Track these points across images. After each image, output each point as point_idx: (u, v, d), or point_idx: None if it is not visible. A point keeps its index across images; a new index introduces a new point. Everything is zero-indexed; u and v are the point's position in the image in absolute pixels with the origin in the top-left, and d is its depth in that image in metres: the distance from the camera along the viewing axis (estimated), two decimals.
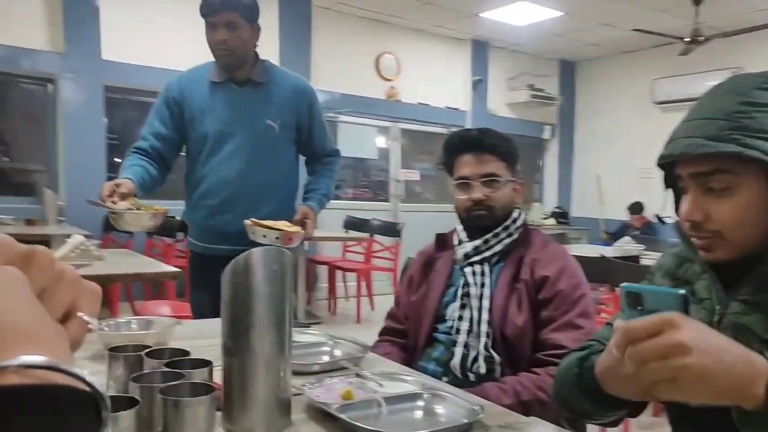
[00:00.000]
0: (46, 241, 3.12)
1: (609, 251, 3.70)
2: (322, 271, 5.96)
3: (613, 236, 7.01)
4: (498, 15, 6.10)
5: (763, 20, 5.31)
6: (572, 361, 1.05)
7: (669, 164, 1.01)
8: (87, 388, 0.33)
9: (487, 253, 1.60)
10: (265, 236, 1.86)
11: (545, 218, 7.55)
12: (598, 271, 2.75)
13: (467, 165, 1.62)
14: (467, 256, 1.61)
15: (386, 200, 6.76)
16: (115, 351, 0.99)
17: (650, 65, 7.01)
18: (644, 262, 3.30)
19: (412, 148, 6.93)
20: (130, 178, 1.96)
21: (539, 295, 1.51)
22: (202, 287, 2.23)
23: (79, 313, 0.41)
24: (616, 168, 7.47)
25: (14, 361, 0.31)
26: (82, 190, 3.58)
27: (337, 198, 6.44)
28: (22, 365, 0.31)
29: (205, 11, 2.07)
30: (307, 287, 5.50)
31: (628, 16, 5.85)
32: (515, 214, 1.64)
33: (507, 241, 1.60)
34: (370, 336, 1.71)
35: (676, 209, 1.09)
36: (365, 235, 5.53)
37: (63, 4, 4.76)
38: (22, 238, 0.41)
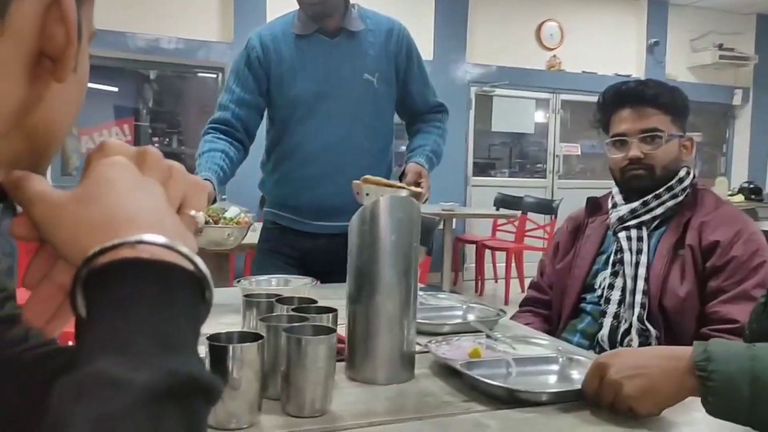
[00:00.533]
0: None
1: None
2: (470, 250, 5.86)
3: None
4: None
5: None
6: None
7: None
8: (194, 269, 0.36)
9: (646, 217, 1.44)
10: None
11: (732, 194, 6.70)
12: None
13: (625, 120, 1.46)
14: (622, 219, 1.46)
15: (542, 176, 6.45)
16: (250, 298, 1.04)
17: None
18: None
19: (573, 121, 6.53)
20: (208, 179, 1.65)
21: (708, 263, 1.33)
22: (286, 266, 1.83)
23: (187, 209, 0.42)
24: None
25: (132, 237, 0.35)
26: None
27: (489, 175, 6.30)
28: (139, 241, 0.35)
29: None
30: (453, 267, 5.43)
31: None
32: (682, 173, 1.45)
33: (670, 203, 1.42)
34: None
35: None
36: (517, 212, 5.32)
37: None
38: None
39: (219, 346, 0.78)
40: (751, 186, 6.77)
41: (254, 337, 0.82)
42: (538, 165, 6.53)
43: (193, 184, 0.44)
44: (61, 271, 0.39)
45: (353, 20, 1.80)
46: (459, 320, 1.31)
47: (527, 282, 6.17)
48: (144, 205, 0.38)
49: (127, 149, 0.42)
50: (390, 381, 0.93)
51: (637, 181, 1.45)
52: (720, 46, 6.60)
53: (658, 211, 1.43)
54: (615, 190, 1.54)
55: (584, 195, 6.06)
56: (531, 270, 6.02)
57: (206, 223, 1.29)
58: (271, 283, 1.34)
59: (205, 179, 1.63)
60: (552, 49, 6.25)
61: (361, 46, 1.82)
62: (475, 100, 6.06)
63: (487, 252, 5.47)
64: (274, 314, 0.95)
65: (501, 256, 5.38)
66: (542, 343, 1.09)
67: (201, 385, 0.32)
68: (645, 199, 1.44)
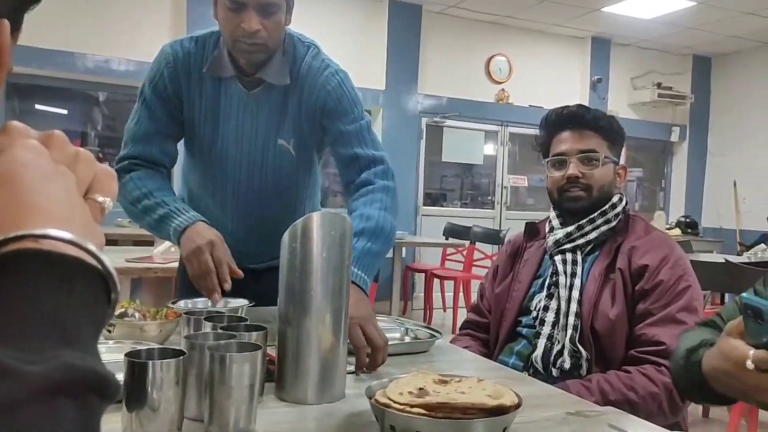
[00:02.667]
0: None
1: (738, 259, 3.32)
2: (420, 279, 5.90)
3: (749, 248, 6.35)
4: (623, 9, 5.74)
5: None
6: (681, 352, 1.02)
7: None
8: (100, 267, 0.36)
9: (581, 241, 1.48)
10: None
11: (669, 228, 6.97)
12: (721, 278, 2.47)
13: (565, 141, 1.51)
14: (558, 243, 1.50)
15: (489, 207, 6.58)
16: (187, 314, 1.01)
17: None
18: None
19: (520, 154, 6.71)
20: (203, 221, 1.36)
21: (636, 286, 1.37)
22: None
23: (94, 195, 0.42)
24: (756, 173, 6.74)
25: (37, 230, 0.34)
26: None
27: (440, 205, 6.38)
28: (44, 236, 0.34)
29: None
30: (403, 296, 5.46)
31: None
32: (615, 199, 1.50)
33: (604, 228, 1.47)
34: None
35: None
36: (465, 242, 5.40)
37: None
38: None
39: (137, 362, 0.75)
40: (687, 220, 7.07)
41: (176, 353, 0.79)
42: (487, 197, 6.66)
43: (101, 170, 0.43)
44: None
45: (279, 72, 1.43)
46: (396, 341, 1.31)
47: None
48: (56, 195, 0.37)
49: (32, 132, 0.41)
50: (319, 401, 0.92)
51: (574, 202, 1.49)
52: (659, 85, 6.93)
53: (592, 235, 1.47)
54: (552, 214, 1.58)
55: None
56: (477, 294, 6.11)
57: (137, 318, 1.19)
58: (209, 304, 1.31)
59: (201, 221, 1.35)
60: (501, 83, 6.44)
61: (281, 103, 1.47)
62: (426, 130, 6.17)
63: (436, 281, 5.51)
64: (200, 332, 0.93)
65: (450, 285, 5.43)
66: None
67: (98, 381, 0.31)
68: (580, 223, 1.48)
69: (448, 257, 5.76)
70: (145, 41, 4.97)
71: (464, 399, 0.75)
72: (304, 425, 0.86)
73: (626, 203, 1.53)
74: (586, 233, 1.48)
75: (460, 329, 1.70)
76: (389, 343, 1.26)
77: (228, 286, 1.27)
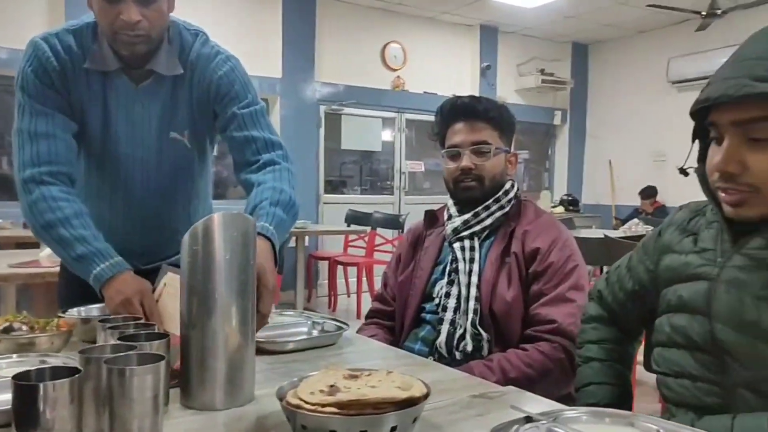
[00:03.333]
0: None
1: (615, 234, 3.60)
2: (324, 267, 5.91)
3: (624, 222, 6.90)
4: None
5: None
6: (581, 359, 1.21)
7: (702, 113, 0.92)
8: None
9: (477, 227, 1.54)
10: None
11: (554, 206, 7.43)
12: (601, 252, 2.66)
13: (458, 133, 1.56)
14: (456, 230, 1.55)
15: (389, 193, 6.68)
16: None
17: (666, 44, 6.84)
18: None
19: (417, 140, 6.86)
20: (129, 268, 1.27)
21: (530, 268, 1.45)
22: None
23: None
24: (629, 152, 7.33)
25: None
26: None
27: (340, 192, 6.39)
28: None
29: None
30: (307, 284, 5.46)
31: None
32: (507, 185, 1.58)
33: (498, 214, 1.54)
34: None
35: (701, 160, 1.01)
36: (367, 228, 5.47)
37: None
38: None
39: (25, 385, 0.70)
40: (570, 198, 7.57)
41: (71, 371, 0.75)
42: (387, 182, 6.75)
43: None
44: None
45: (168, 61, 1.37)
46: (303, 336, 1.31)
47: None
48: None
49: None
50: (228, 405, 0.90)
51: (468, 192, 1.55)
52: (542, 71, 7.31)
53: (488, 221, 1.54)
54: (450, 202, 1.63)
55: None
56: (380, 283, 6.23)
57: (25, 331, 1.11)
58: (105, 312, 1.24)
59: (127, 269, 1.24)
60: (396, 70, 6.52)
61: (172, 94, 1.41)
62: (325, 118, 6.14)
63: (340, 268, 5.54)
64: (96, 345, 0.88)
65: (353, 271, 5.48)
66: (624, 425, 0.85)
67: None
68: (476, 210, 1.54)
69: (350, 244, 5.80)
70: (20, 28, 4.57)
71: (375, 394, 0.76)
72: (218, 431, 0.84)
73: (517, 189, 1.61)
74: (482, 220, 1.54)
75: (366, 318, 1.72)
76: (298, 338, 1.27)
77: None
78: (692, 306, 0.97)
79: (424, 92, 6.63)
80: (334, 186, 6.43)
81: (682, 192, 6.90)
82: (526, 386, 1.29)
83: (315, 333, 1.33)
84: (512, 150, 1.63)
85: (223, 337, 0.90)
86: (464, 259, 1.52)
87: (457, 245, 1.54)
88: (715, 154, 0.90)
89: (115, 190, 1.45)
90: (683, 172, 1.04)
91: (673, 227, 1.09)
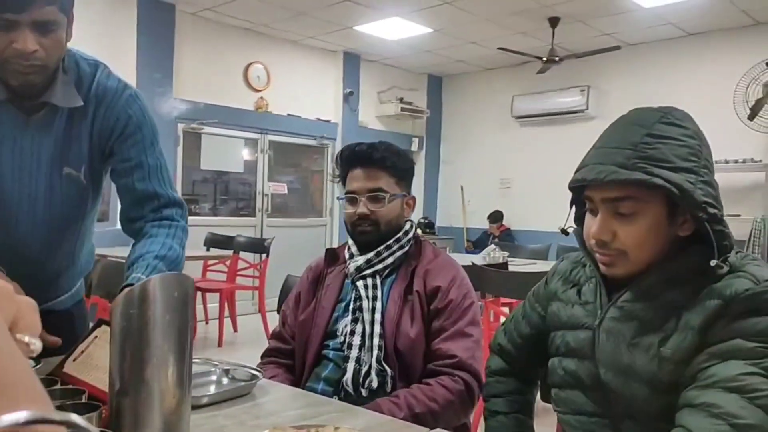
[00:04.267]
0: None
1: (478, 260, 3.88)
2: None
3: (475, 244, 7.41)
4: (371, 29, 6.20)
5: (609, 43, 5.92)
6: (486, 393, 1.37)
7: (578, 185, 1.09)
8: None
9: (379, 266, 1.60)
10: None
11: None
12: (472, 279, 2.84)
13: (356, 179, 1.61)
14: (359, 269, 1.60)
15: (251, 215, 6.54)
16: None
17: (511, 82, 7.50)
18: (512, 268, 3.49)
19: (279, 161, 6.80)
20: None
21: (431, 305, 1.53)
22: None
23: (19, 335, 0.35)
24: (479, 179, 7.88)
25: (6, 419, 0.28)
26: None
27: (197, 214, 6.14)
28: (16, 422, 0.29)
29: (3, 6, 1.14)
30: None
31: (493, 36, 6.21)
32: (407, 226, 1.66)
33: (399, 253, 1.61)
34: (238, 360, 1.51)
35: (576, 222, 1.19)
36: (229, 252, 5.29)
37: None
38: None
39: None
40: (426, 221, 7.95)
41: None
42: (247, 203, 6.60)
43: (24, 303, 0.37)
44: None
45: (65, 93, 1.27)
46: (214, 388, 1.27)
47: (239, 321, 6.12)
48: (2, 358, 0.31)
49: None
50: None
51: (364, 236, 1.61)
52: (401, 100, 7.64)
53: (389, 260, 1.60)
54: (350, 241, 1.68)
55: (294, 232, 6.37)
56: (243, 308, 6.07)
57: None
58: None
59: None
60: (259, 91, 6.44)
61: (68, 127, 1.32)
62: (183, 136, 5.88)
63: (198, 294, 5.29)
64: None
65: (214, 297, 5.27)
66: None
67: None
68: (378, 250, 1.60)
69: (209, 268, 5.57)
70: None
71: None
72: None
73: (415, 230, 1.70)
74: (384, 259, 1.60)
75: (262, 357, 1.69)
76: (212, 392, 1.22)
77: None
78: (580, 352, 1.14)
79: (288, 114, 6.62)
80: (192, 208, 6.16)
81: (524, 218, 7.54)
82: (431, 420, 1.38)
83: (225, 382, 1.29)
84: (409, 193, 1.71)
85: (159, 401, 0.86)
86: (368, 297, 1.57)
87: (360, 283, 1.59)
88: (591, 224, 1.08)
89: None
90: (564, 232, 1.23)
91: (558, 277, 1.28)
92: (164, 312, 0.85)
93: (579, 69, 6.66)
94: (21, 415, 0.29)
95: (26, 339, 0.35)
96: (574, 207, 1.21)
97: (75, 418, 0.31)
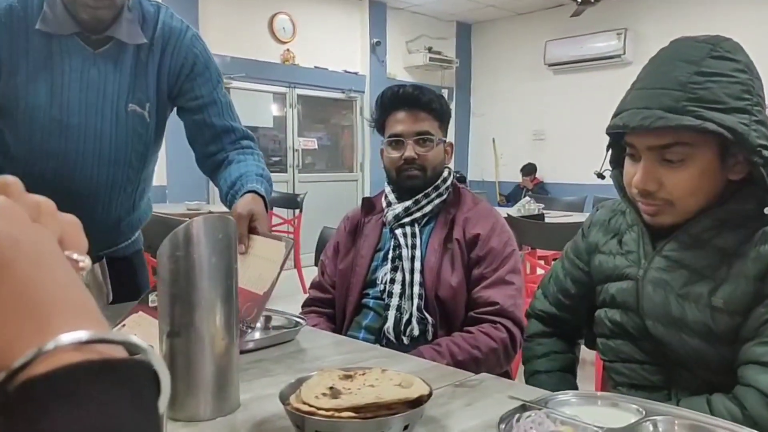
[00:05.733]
0: None
1: (512, 212, 3.83)
2: None
3: (507, 198, 7.32)
4: None
5: None
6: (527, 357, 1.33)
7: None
8: (146, 359, 0.31)
9: (418, 214, 1.58)
10: None
11: None
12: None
13: (401, 122, 1.57)
14: (398, 217, 1.58)
15: (282, 171, 6.55)
16: None
17: (543, 27, 7.26)
18: (548, 220, 3.44)
19: (308, 116, 6.76)
20: None
21: (471, 253, 1.51)
22: None
23: (67, 252, 0.34)
24: (511, 131, 7.74)
25: (71, 337, 0.28)
26: None
27: None
28: (87, 341, 0.28)
29: None
30: None
31: None
32: (445, 173, 1.63)
33: (437, 201, 1.59)
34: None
35: (613, 164, 1.13)
36: None
37: None
38: None
39: None
40: (458, 175, 7.82)
41: None
42: (279, 159, 6.61)
43: (67, 223, 0.36)
44: None
45: (130, 29, 1.30)
46: (259, 334, 1.28)
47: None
48: (58, 275, 0.30)
49: None
50: (216, 414, 0.87)
51: (411, 180, 1.58)
52: (429, 49, 7.48)
53: (428, 208, 1.58)
54: (387, 189, 1.65)
55: (325, 188, 6.38)
56: (317, 271, 6.14)
57: None
58: None
59: None
60: (285, 43, 6.35)
61: (133, 64, 1.34)
62: None
63: None
64: None
65: None
66: (609, 406, 0.89)
67: None
68: (416, 198, 1.57)
69: None
70: None
71: (387, 395, 0.77)
72: None
73: (453, 176, 1.66)
74: (422, 206, 1.58)
75: (303, 306, 1.71)
76: (257, 337, 1.24)
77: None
78: (624, 303, 1.09)
79: (315, 66, 6.54)
80: None
81: (558, 170, 7.37)
82: (473, 367, 1.37)
83: (270, 328, 1.31)
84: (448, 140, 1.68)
85: (209, 343, 0.86)
86: (407, 245, 1.55)
87: (399, 231, 1.57)
88: (633, 171, 1.01)
89: (62, 169, 1.33)
90: (600, 176, 1.16)
91: (596, 227, 1.21)
92: (210, 254, 0.85)
93: (615, 10, 6.39)
94: (82, 335, 0.28)
95: (74, 256, 0.34)
96: (610, 150, 1.13)
97: (134, 338, 0.30)
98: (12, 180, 0.33)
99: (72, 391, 0.27)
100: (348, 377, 0.86)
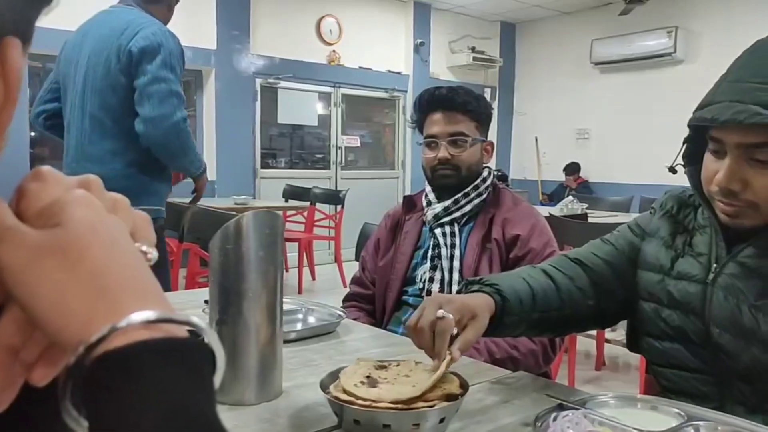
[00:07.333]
0: None
1: (555, 211, 3.79)
2: None
3: (550, 197, 7.23)
4: None
5: None
6: None
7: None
8: (205, 340, 0.34)
9: (457, 214, 1.59)
10: None
11: None
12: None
13: (436, 123, 1.60)
14: (437, 216, 1.60)
15: (326, 168, 6.64)
16: None
17: (590, 26, 7.13)
18: (592, 220, 3.40)
19: (351, 115, 6.83)
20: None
21: (511, 254, 1.52)
22: None
23: (138, 244, 0.37)
24: (554, 130, 7.63)
25: (141, 316, 0.31)
26: None
27: (275, 167, 6.30)
28: (156, 320, 0.32)
29: None
30: None
31: None
32: (485, 173, 1.64)
33: (476, 201, 1.60)
34: None
35: (686, 160, 1.04)
36: (306, 203, 5.43)
37: None
38: None
39: None
40: (499, 173, 7.81)
41: None
42: (322, 156, 6.70)
43: (139, 216, 0.40)
44: (7, 330, 0.33)
45: None
46: (300, 325, 1.32)
47: (317, 270, 6.28)
48: (131, 261, 0.34)
49: (67, 179, 0.37)
50: (260, 400, 0.92)
51: (445, 180, 1.60)
52: (473, 49, 7.43)
53: (467, 208, 1.60)
54: (428, 188, 1.68)
55: (367, 184, 6.40)
56: (320, 258, 6.19)
57: None
58: None
59: None
60: (331, 44, 6.43)
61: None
62: (261, 91, 5.99)
63: None
64: None
65: (292, 246, 5.44)
66: (649, 409, 0.91)
67: None
68: (456, 197, 1.59)
69: (288, 219, 5.74)
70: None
71: (425, 388, 0.80)
72: (260, 427, 0.85)
73: (493, 176, 1.67)
74: (462, 206, 1.60)
75: (344, 300, 1.75)
76: (297, 328, 1.28)
77: None
78: (686, 306, 1.01)
79: (360, 67, 6.60)
80: (271, 161, 6.32)
81: (603, 170, 7.20)
82: (511, 367, 1.38)
83: (312, 320, 1.35)
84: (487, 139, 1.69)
85: (255, 332, 0.91)
86: (446, 244, 1.57)
87: (438, 231, 1.59)
88: (715, 168, 0.92)
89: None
90: (672, 170, 1.07)
91: (662, 213, 1.12)
92: (258, 248, 0.89)
93: (666, 8, 6.23)
94: (150, 314, 0.31)
95: (144, 248, 0.38)
96: (685, 144, 1.03)
97: (196, 320, 0.34)
98: (93, 178, 0.38)
99: (142, 365, 0.30)
100: (383, 368, 0.89)
